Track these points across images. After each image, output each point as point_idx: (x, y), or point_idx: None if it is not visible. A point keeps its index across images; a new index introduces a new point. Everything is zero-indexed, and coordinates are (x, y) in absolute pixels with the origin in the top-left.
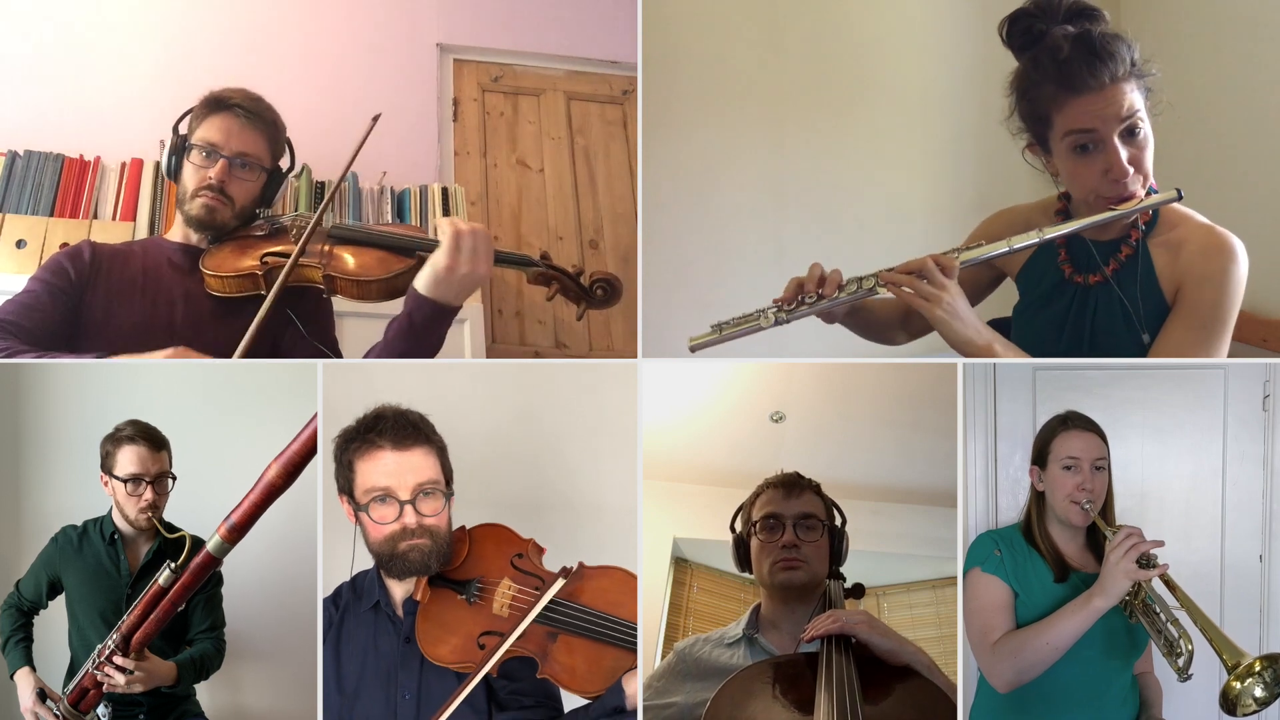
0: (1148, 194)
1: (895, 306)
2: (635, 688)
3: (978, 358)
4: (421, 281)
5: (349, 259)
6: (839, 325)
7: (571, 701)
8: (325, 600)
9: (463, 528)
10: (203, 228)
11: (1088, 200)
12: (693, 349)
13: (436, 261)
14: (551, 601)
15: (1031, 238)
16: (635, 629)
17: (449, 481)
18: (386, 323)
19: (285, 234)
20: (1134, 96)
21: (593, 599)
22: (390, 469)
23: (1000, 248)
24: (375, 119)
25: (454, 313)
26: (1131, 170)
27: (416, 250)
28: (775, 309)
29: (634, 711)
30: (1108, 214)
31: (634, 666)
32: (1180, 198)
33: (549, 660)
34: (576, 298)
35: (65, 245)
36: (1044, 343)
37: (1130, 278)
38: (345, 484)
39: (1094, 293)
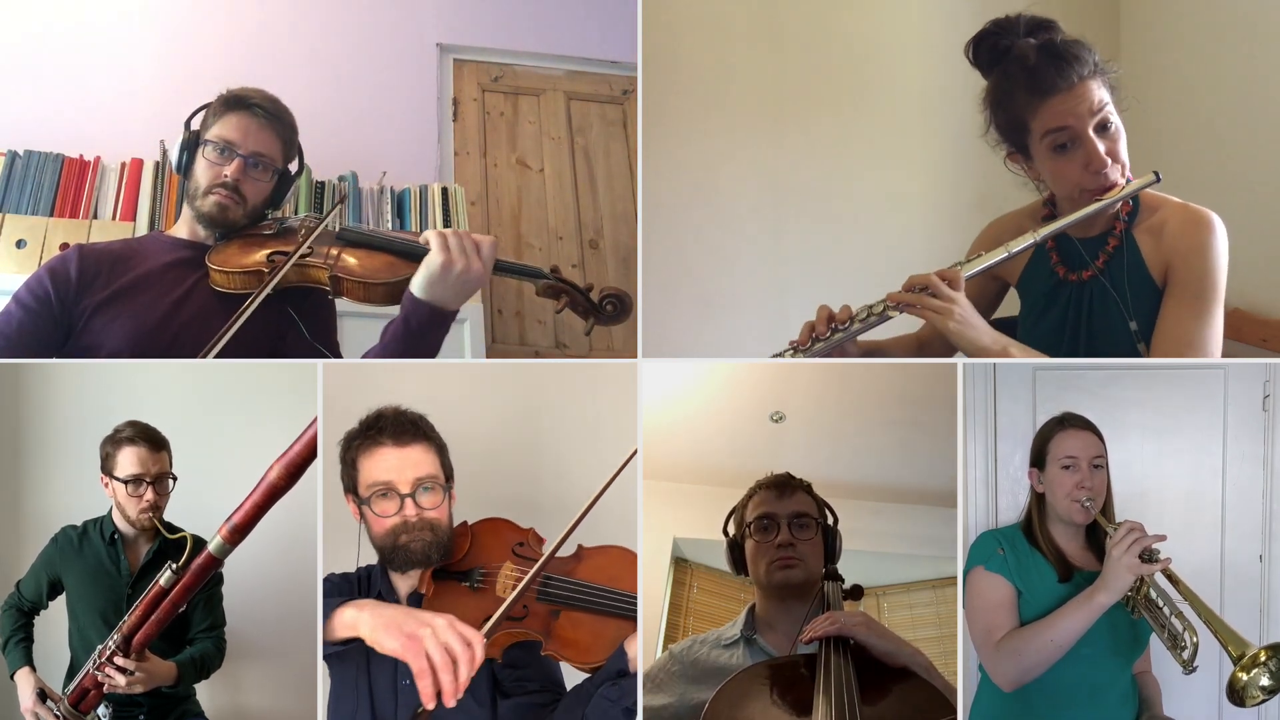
0: (1127, 184)
1: (909, 341)
2: (636, 650)
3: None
4: (416, 283)
5: (356, 260)
6: None
7: (573, 684)
8: (338, 578)
9: (464, 523)
10: (214, 225)
11: (1072, 196)
12: None
13: (430, 261)
14: (552, 579)
15: (1027, 240)
16: (635, 599)
17: (449, 479)
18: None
19: (293, 234)
20: (1101, 93)
21: (592, 574)
22: (391, 464)
23: (999, 254)
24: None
25: (451, 316)
26: (1110, 160)
27: (423, 257)
28: (792, 350)
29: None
30: (1095, 205)
31: (635, 632)
32: (1158, 180)
33: (552, 638)
34: (585, 313)
35: (65, 245)
36: (1050, 346)
37: (1119, 268)
38: (350, 482)
39: (1088, 289)
